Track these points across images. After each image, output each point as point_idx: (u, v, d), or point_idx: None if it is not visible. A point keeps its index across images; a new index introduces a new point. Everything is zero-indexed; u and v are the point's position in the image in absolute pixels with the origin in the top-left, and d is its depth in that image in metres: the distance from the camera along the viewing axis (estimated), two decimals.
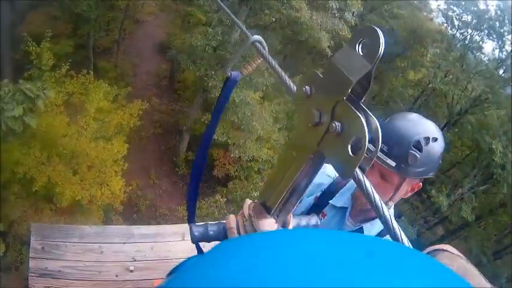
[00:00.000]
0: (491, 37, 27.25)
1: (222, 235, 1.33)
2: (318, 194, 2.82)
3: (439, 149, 2.35)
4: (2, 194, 13.24)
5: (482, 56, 28.63)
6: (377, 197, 0.86)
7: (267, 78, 17.19)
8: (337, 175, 2.74)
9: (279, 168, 1.16)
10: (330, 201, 2.74)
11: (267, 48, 1.66)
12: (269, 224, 1.17)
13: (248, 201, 1.31)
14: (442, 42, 28.93)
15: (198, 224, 1.37)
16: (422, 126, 2.35)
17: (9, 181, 13.07)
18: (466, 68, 26.94)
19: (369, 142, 0.78)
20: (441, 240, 26.21)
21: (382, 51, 0.77)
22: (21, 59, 17.28)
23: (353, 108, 0.81)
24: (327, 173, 2.85)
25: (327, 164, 2.56)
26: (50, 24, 20.81)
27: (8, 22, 18.12)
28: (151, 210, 20.46)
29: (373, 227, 2.61)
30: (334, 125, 0.83)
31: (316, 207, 2.78)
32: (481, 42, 28.06)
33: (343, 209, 2.71)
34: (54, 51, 15.14)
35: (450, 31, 30.04)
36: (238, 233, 1.28)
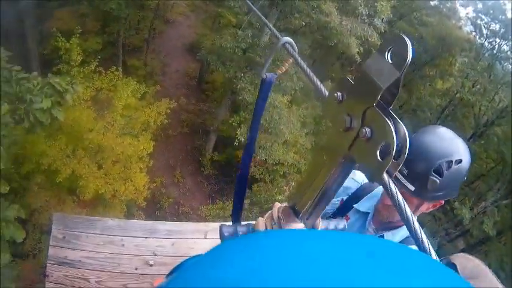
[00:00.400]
0: None
1: None
2: (344, 197, 2.83)
3: (462, 170, 2.23)
4: (25, 184, 13.44)
5: (510, 66, 28.32)
6: (407, 208, 0.86)
7: (295, 82, 17.20)
8: (365, 181, 2.80)
9: (309, 172, 1.17)
10: (354, 205, 2.75)
11: (297, 50, 1.69)
12: (298, 228, 1.17)
13: (278, 205, 1.32)
14: (471, 51, 28.69)
15: (227, 224, 1.39)
16: (446, 147, 2.22)
17: (34, 171, 13.26)
18: (493, 78, 26.82)
19: (397, 148, 0.80)
20: (462, 253, 26.07)
21: (410, 59, 0.79)
22: (50, 53, 17.63)
23: (382, 114, 0.84)
24: (355, 178, 2.86)
25: (355, 170, 2.58)
26: (78, 22, 21.32)
27: (35, 16, 18.38)
28: (174, 208, 20.57)
29: (394, 237, 2.59)
30: (364, 130, 0.86)
31: (341, 210, 2.81)
32: (509, 52, 27.83)
33: (366, 214, 2.73)
34: (83, 48, 15.34)
35: (478, 40, 29.88)
36: None
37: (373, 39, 17.78)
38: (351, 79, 0.97)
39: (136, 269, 4.72)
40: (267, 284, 0.49)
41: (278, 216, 1.24)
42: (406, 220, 0.85)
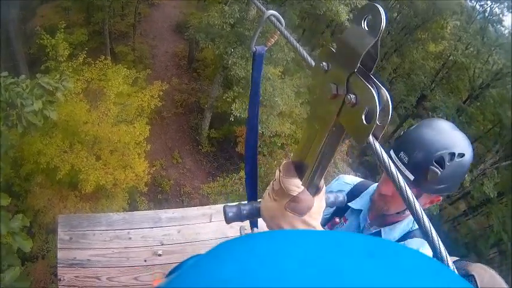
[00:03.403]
0: (510, 10, 26.67)
1: (255, 213, 1.42)
2: None
3: (464, 165, 2.15)
4: (26, 186, 13.50)
5: (503, 29, 28.11)
6: (405, 183, 0.86)
7: (287, 53, 17.16)
8: (356, 182, 2.82)
9: (304, 142, 1.21)
10: (348, 204, 2.72)
11: (283, 22, 1.72)
12: (294, 183, 1.19)
13: (284, 162, 1.33)
14: (462, 14, 28.43)
15: (231, 204, 1.45)
16: (449, 139, 2.15)
17: (33, 172, 13.37)
18: (486, 41, 26.60)
19: (381, 111, 0.84)
20: (464, 216, 26.19)
21: (384, 25, 0.84)
22: (36, 52, 17.77)
23: (364, 81, 0.88)
24: (346, 181, 2.89)
25: (344, 174, 2.54)
26: (61, 16, 21.82)
27: (18, 18, 18.31)
28: (176, 189, 20.82)
29: (392, 232, 2.54)
30: (349, 97, 0.90)
31: (338, 212, 2.80)
32: (501, 15, 27.54)
33: (360, 211, 2.70)
34: (69, 41, 15.37)
35: (470, 3, 29.65)
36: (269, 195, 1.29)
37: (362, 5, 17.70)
38: (333, 48, 1.01)
39: (145, 260, 4.73)
40: (267, 284, 0.49)
41: (279, 170, 1.25)
42: (400, 191, 0.86)
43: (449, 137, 2.17)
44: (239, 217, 1.42)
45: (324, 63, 1.03)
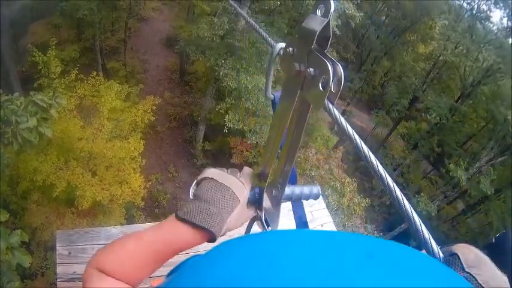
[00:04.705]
0: (498, 6, 26.75)
1: None
2: None
3: None
4: (23, 204, 13.46)
5: (491, 25, 28.03)
6: (356, 136, 1.02)
7: (277, 62, 17.08)
8: None
9: (271, 140, 1.41)
10: None
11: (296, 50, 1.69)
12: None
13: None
14: (450, 13, 28.46)
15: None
16: None
17: (29, 190, 13.30)
18: (475, 38, 26.58)
19: (335, 80, 0.97)
20: (463, 214, 26.12)
21: (333, 7, 0.99)
22: (28, 69, 17.83)
23: (320, 55, 1.02)
24: None
25: None
26: (52, 33, 21.79)
27: (9, 36, 18.24)
28: (173, 203, 20.68)
29: None
30: (309, 70, 1.05)
31: None
32: (488, 12, 27.47)
33: None
34: (60, 58, 15.30)
35: (457, 1, 29.63)
36: None
37: (350, 11, 17.68)
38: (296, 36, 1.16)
39: None
40: (266, 284, 0.49)
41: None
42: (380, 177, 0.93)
43: None
44: None
45: (290, 49, 1.17)
